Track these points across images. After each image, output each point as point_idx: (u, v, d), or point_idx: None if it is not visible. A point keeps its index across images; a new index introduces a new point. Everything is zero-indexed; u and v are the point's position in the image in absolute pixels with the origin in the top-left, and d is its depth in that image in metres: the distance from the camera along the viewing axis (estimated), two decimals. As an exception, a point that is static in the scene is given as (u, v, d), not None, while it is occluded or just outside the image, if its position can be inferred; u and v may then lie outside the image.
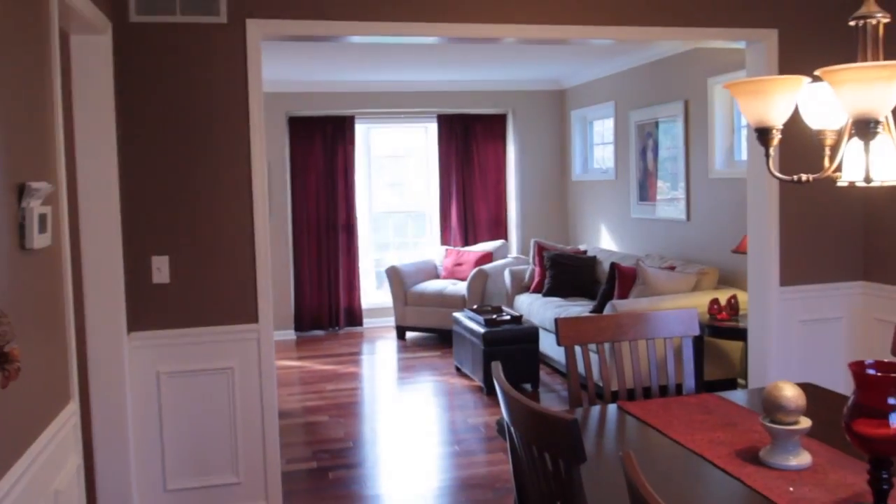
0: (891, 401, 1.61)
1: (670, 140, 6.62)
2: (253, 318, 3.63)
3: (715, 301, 5.08)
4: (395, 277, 7.74)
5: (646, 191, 7.04)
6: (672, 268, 5.90)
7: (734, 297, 5.10)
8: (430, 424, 5.19)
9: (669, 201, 6.66)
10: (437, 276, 8.10)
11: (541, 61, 7.21)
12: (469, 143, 8.59)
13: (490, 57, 6.80)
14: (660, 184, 6.81)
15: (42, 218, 2.10)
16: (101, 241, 3.29)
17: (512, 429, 1.93)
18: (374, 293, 8.65)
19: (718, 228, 6.00)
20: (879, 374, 1.64)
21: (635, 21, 3.97)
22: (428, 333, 7.85)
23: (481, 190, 8.63)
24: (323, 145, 8.18)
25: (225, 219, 3.59)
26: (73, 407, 2.40)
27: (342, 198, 8.24)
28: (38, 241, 2.06)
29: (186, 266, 3.56)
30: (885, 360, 1.70)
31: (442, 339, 7.70)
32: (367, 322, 8.50)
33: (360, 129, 8.49)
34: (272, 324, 3.68)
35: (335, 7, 3.63)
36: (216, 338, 3.59)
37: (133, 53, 3.43)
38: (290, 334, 8.05)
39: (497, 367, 2.04)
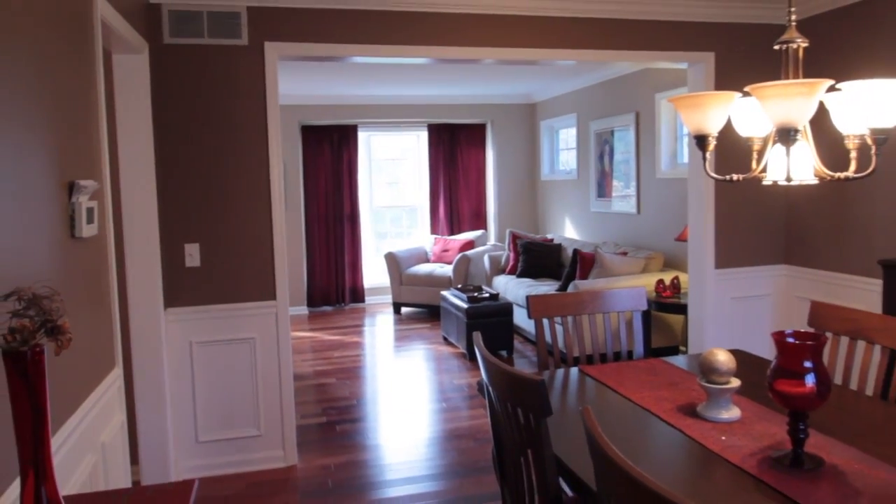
0: (806, 364, 1.62)
1: (624, 146, 6.61)
2: (271, 295, 3.61)
3: (661, 281, 5.09)
4: (392, 261, 7.72)
5: (603, 189, 7.04)
6: (625, 253, 5.91)
7: (677, 277, 5.11)
8: (422, 385, 5.19)
9: (623, 197, 6.66)
10: (428, 261, 8.08)
11: (515, 79, 7.18)
12: (454, 148, 8.55)
13: (472, 75, 6.76)
14: (615, 183, 6.81)
15: (90, 211, 2.07)
16: (141, 232, 3.26)
17: (490, 388, 1.93)
18: (374, 275, 8.62)
19: (664, 220, 6.01)
20: (797, 342, 1.65)
21: (594, 45, 3.96)
22: (420, 309, 7.84)
23: (464, 187, 8.61)
24: (330, 149, 8.12)
25: (247, 212, 3.56)
26: (117, 371, 2.38)
27: (347, 194, 8.19)
28: (87, 230, 2.04)
29: (215, 252, 3.54)
30: (802, 331, 1.71)
31: (431, 313, 7.70)
32: (369, 299, 8.47)
33: (363, 136, 8.43)
34: (288, 300, 3.67)
35: (340, 32, 3.60)
36: (240, 313, 3.57)
37: (168, 70, 3.39)
38: (304, 309, 8.02)
39: (477, 337, 2.03)
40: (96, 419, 2.08)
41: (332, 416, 4.50)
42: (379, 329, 7.18)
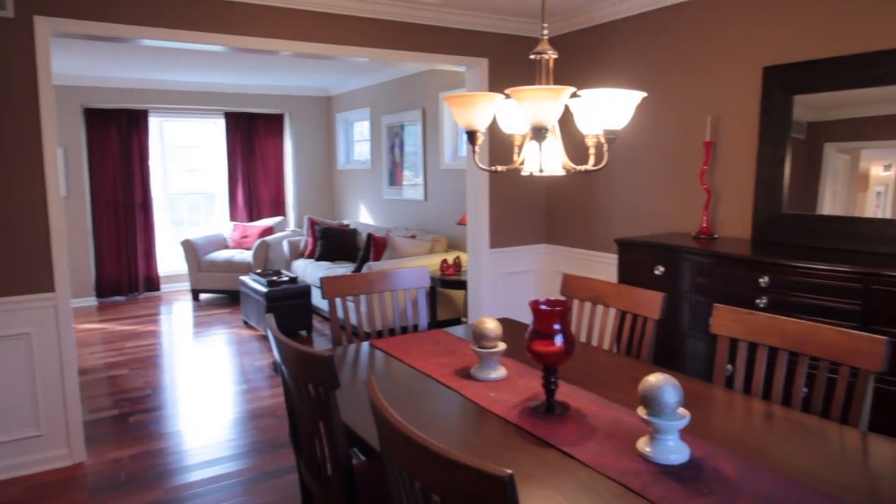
0: (556, 326, 1.77)
1: (412, 139, 6.77)
2: (49, 287, 3.18)
3: (444, 261, 5.30)
4: (190, 248, 7.19)
5: (394, 178, 7.16)
6: (414, 236, 6.07)
7: (458, 257, 5.36)
8: (223, 369, 4.92)
9: (412, 186, 6.83)
10: (227, 247, 7.65)
11: (312, 72, 7.01)
12: (252, 136, 8.16)
13: (270, 66, 6.48)
14: (405, 172, 6.96)
15: None
16: None
17: (283, 367, 1.88)
18: (170, 262, 7.98)
19: (447, 206, 6.27)
20: (548, 308, 1.80)
21: (386, 45, 3.99)
22: (219, 294, 7.41)
23: (263, 175, 8.27)
24: (119, 135, 7.32)
25: (17, 198, 3.09)
26: None
27: (138, 180, 7.46)
28: None
29: (-22, 242, 3.03)
30: (554, 299, 1.87)
31: (232, 298, 7.34)
32: (165, 287, 7.83)
33: (154, 122, 7.72)
34: (70, 292, 3.26)
35: (125, 12, 3.24)
36: (11, 307, 3.10)
37: None
38: (92, 300, 7.19)
39: (270, 318, 1.97)
40: None
41: (125, 408, 4.11)
42: (176, 316, 6.67)
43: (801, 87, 3.13)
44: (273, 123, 8.29)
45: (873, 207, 2.88)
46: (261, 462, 3.32)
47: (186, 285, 7.79)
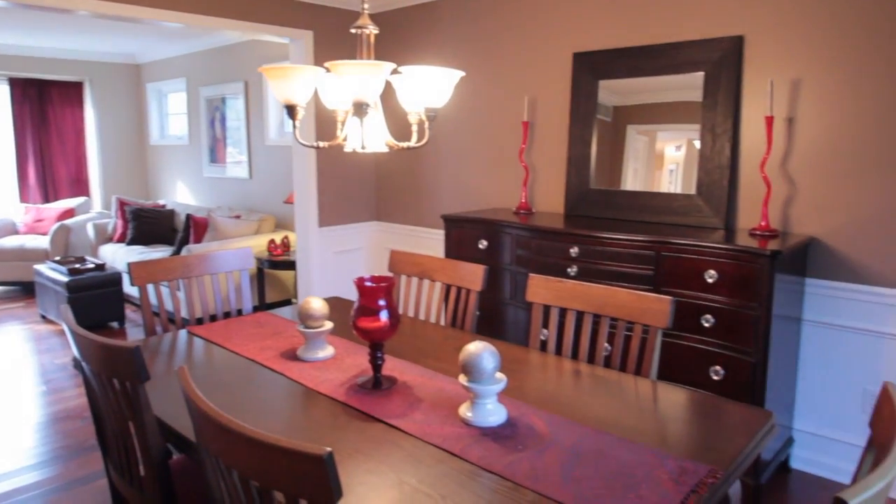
0: (380, 302, 1.80)
1: (235, 113, 6.42)
2: None
3: (272, 241, 5.13)
4: (-32, 235, 6.25)
5: (216, 154, 6.76)
6: (238, 216, 5.80)
7: (286, 237, 5.21)
8: (18, 369, 4.35)
9: (236, 163, 6.50)
10: (17, 233, 6.75)
11: (116, 36, 6.35)
12: (45, 106, 7.24)
13: (64, 26, 5.76)
14: (229, 149, 6.59)
15: None
16: None
17: (84, 363, 1.71)
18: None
19: (273, 184, 6.06)
20: (373, 284, 1.82)
21: (203, 11, 3.73)
22: (9, 287, 6.54)
23: (60, 151, 7.38)
24: None
25: None
26: None
27: None
28: None
29: None
30: (378, 276, 1.89)
31: (26, 290, 6.51)
32: (-62, 281, 6.75)
33: (-87, 86, 6.56)
34: None
35: None
36: None
37: None
38: None
39: (66, 310, 1.78)
40: None
41: None
42: (-45, 314, 5.79)
43: (606, 73, 3.42)
44: (71, 92, 7.42)
45: (667, 183, 3.25)
46: (66, 469, 3.01)
47: (-33, 278, 6.78)
